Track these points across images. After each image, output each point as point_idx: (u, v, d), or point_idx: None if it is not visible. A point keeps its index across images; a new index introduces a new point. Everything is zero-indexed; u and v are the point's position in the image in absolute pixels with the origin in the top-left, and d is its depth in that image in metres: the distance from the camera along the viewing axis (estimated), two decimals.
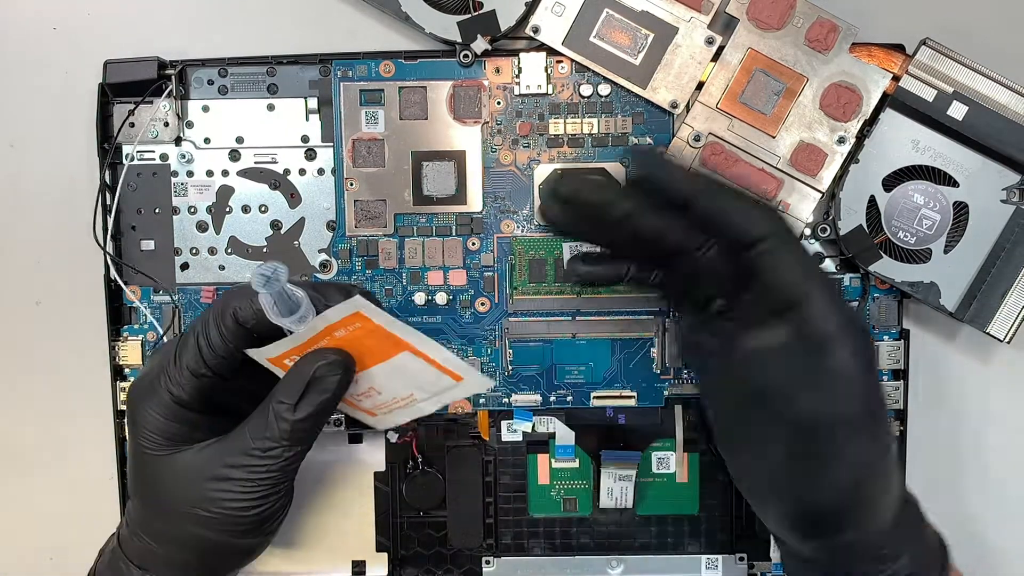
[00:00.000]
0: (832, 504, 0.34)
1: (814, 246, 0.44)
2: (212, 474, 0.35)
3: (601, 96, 0.44)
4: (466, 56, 0.43)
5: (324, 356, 0.34)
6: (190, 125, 0.44)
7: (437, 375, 0.36)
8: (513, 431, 0.45)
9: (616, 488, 0.44)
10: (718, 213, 0.33)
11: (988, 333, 0.42)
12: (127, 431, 0.37)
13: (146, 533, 0.37)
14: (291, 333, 0.34)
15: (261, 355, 0.35)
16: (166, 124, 0.44)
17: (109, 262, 0.44)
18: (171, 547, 0.36)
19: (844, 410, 0.33)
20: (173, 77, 0.43)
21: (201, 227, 0.45)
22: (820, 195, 0.43)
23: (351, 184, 0.44)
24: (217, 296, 0.45)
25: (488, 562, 0.46)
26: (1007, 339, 0.42)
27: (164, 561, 0.37)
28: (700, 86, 0.42)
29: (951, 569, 0.37)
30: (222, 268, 0.45)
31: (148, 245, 0.45)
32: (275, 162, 0.45)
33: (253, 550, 0.38)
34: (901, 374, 0.44)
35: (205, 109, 0.44)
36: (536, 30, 0.42)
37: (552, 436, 0.45)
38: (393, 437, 0.45)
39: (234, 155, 0.45)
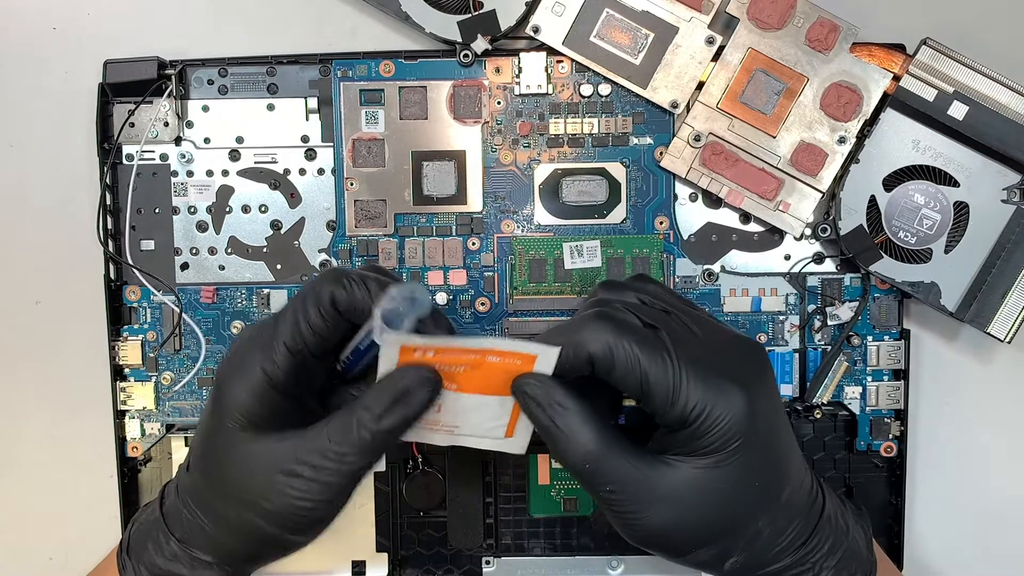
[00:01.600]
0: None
1: (814, 246, 0.44)
2: (283, 467, 0.35)
3: (601, 96, 0.43)
4: (466, 56, 0.43)
5: (418, 373, 0.35)
6: (190, 125, 0.44)
7: (502, 425, 0.37)
8: None
9: None
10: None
11: (988, 333, 0.42)
12: (209, 409, 0.36)
13: (200, 509, 0.37)
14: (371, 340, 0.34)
15: (395, 340, 0.34)
16: (166, 124, 0.44)
17: (109, 262, 0.45)
18: (222, 529, 0.36)
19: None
20: (173, 77, 0.43)
21: (201, 227, 0.45)
22: (820, 195, 0.42)
23: (351, 184, 0.44)
24: (217, 293, 0.45)
25: (488, 562, 0.46)
26: (1007, 339, 0.42)
27: (209, 539, 0.37)
28: (700, 86, 0.42)
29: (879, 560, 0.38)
30: (222, 268, 0.45)
31: (148, 245, 0.45)
32: (275, 162, 0.45)
33: (296, 547, 0.38)
34: (901, 374, 0.44)
35: (205, 109, 0.44)
36: (536, 30, 0.42)
37: None
38: None
39: (234, 155, 0.45)
